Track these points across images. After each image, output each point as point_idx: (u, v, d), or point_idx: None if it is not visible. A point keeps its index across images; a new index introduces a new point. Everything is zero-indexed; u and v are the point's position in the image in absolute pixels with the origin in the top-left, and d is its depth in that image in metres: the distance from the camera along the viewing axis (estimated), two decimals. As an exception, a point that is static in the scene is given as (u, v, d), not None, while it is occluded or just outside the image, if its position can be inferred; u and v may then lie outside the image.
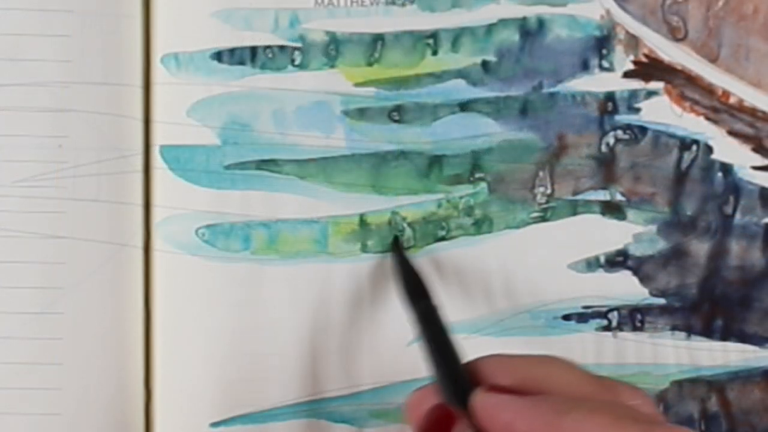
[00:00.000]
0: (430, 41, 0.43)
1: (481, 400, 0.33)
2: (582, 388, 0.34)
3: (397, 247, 0.42)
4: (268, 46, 0.42)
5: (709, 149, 0.43)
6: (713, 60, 0.43)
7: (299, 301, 0.42)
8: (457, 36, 0.43)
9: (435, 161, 0.43)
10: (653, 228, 0.43)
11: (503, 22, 0.43)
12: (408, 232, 0.43)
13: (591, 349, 0.43)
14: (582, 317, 0.43)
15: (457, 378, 0.35)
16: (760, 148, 0.44)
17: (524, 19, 0.43)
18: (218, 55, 0.42)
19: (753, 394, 0.43)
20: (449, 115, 0.43)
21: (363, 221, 0.43)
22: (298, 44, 0.43)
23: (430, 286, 0.40)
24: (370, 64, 0.43)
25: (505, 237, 0.43)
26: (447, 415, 0.34)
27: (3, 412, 0.41)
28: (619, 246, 0.43)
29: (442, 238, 0.43)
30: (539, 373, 0.34)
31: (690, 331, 0.43)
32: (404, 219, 0.43)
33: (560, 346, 0.43)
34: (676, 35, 0.43)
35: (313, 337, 0.42)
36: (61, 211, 0.42)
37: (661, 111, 0.43)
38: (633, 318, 0.43)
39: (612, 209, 0.43)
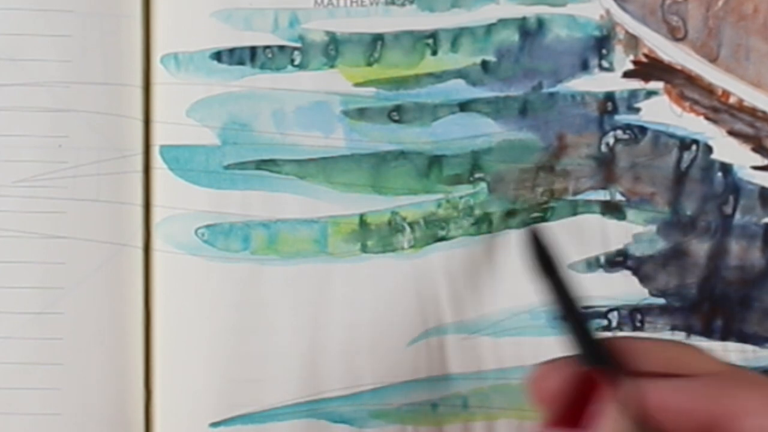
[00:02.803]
0: (430, 41, 0.43)
1: (632, 387, 0.33)
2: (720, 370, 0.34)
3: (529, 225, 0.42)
4: (268, 46, 0.43)
5: (709, 149, 0.43)
6: (713, 60, 0.43)
7: (299, 301, 0.42)
8: (457, 36, 0.43)
9: (435, 161, 0.43)
10: (653, 228, 0.43)
11: (503, 22, 0.43)
12: (408, 232, 0.43)
13: (591, 349, 0.43)
14: (582, 317, 0.43)
15: (597, 354, 0.35)
16: (759, 148, 0.44)
17: (524, 19, 0.43)
18: (218, 55, 0.42)
19: (753, 393, 0.43)
20: (449, 115, 0.43)
21: (363, 221, 0.43)
22: (298, 44, 0.43)
23: (560, 260, 0.39)
24: (369, 64, 0.43)
25: (504, 237, 0.43)
26: (587, 385, 0.34)
27: (3, 412, 0.41)
28: (619, 246, 0.43)
29: (442, 238, 0.43)
30: (678, 357, 0.34)
31: (690, 331, 0.43)
32: (404, 219, 0.43)
33: (560, 347, 0.43)
34: (675, 35, 0.43)
35: (313, 337, 0.42)
36: (61, 211, 0.42)
37: (660, 111, 0.43)
38: (633, 318, 0.43)
39: (612, 209, 0.43)
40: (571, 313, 0.37)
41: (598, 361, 0.35)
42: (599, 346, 0.35)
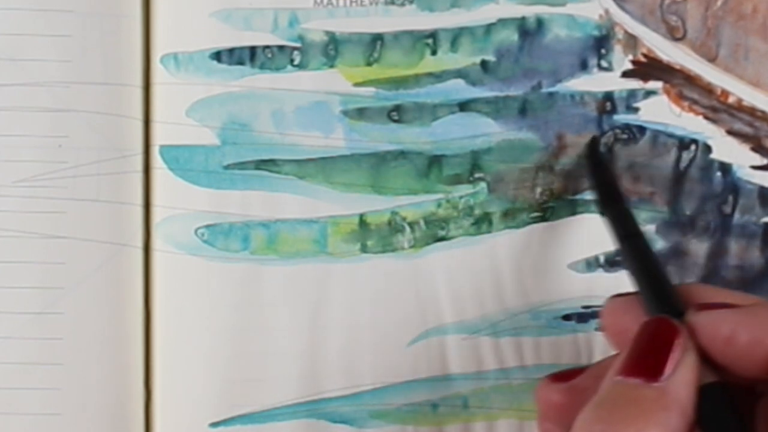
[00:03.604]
0: (430, 41, 0.43)
1: (698, 317, 0.33)
2: None
3: (592, 148, 0.42)
4: (268, 46, 0.43)
5: (708, 149, 0.43)
6: (712, 59, 0.43)
7: (299, 301, 0.42)
8: (457, 36, 0.43)
9: (434, 161, 0.43)
10: (652, 227, 0.43)
11: (502, 22, 0.43)
12: (408, 232, 0.43)
13: (591, 349, 0.43)
14: (582, 317, 0.43)
15: (666, 293, 0.35)
16: (759, 148, 0.44)
17: (523, 18, 0.43)
18: (217, 55, 0.42)
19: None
20: (448, 115, 0.43)
21: (362, 221, 0.43)
22: (298, 44, 0.43)
23: (622, 190, 0.40)
24: (369, 64, 0.43)
25: (505, 237, 0.43)
26: (664, 330, 0.34)
27: (3, 412, 0.41)
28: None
29: (442, 238, 0.43)
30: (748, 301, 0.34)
31: (690, 330, 0.43)
32: (404, 219, 0.43)
33: (560, 346, 0.43)
34: (674, 35, 0.44)
35: (313, 337, 0.42)
36: (61, 211, 0.42)
37: (659, 110, 0.43)
38: (633, 318, 0.43)
39: (611, 209, 0.43)
40: (639, 254, 0.37)
41: (669, 307, 0.35)
42: (671, 292, 0.35)
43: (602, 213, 0.40)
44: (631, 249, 0.38)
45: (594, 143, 0.43)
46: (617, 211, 0.39)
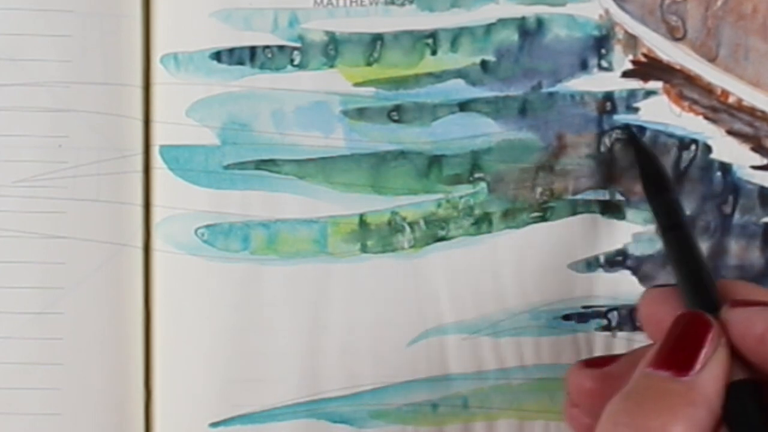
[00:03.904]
0: (430, 41, 0.43)
1: (732, 314, 0.33)
2: None
3: (632, 136, 0.42)
4: (268, 46, 0.43)
5: (708, 149, 0.43)
6: (712, 59, 0.43)
7: (299, 301, 0.42)
8: (457, 36, 0.43)
9: (434, 161, 0.43)
10: (652, 227, 0.43)
11: (502, 22, 0.43)
12: (408, 232, 0.43)
13: (591, 349, 0.43)
14: (582, 317, 0.43)
15: (704, 287, 0.36)
16: (759, 148, 0.44)
17: (523, 18, 0.43)
18: (217, 55, 0.42)
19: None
20: (448, 115, 0.43)
21: (362, 221, 0.43)
22: (298, 44, 0.43)
23: (670, 178, 0.41)
24: (369, 64, 0.43)
25: (505, 237, 0.43)
26: (696, 325, 0.34)
27: (3, 412, 0.41)
28: (619, 246, 0.43)
29: (442, 238, 0.43)
30: None
31: (690, 330, 0.43)
32: (404, 219, 0.43)
33: (560, 346, 0.43)
34: (674, 35, 0.43)
35: (313, 337, 0.42)
36: (61, 211, 0.42)
37: (659, 110, 0.43)
38: (633, 318, 0.43)
39: (611, 209, 0.43)
40: (680, 246, 0.38)
41: (706, 301, 0.35)
42: (709, 286, 0.36)
43: (648, 202, 0.40)
44: (672, 240, 0.38)
45: (631, 131, 0.42)
46: (662, 201, 0.39)
